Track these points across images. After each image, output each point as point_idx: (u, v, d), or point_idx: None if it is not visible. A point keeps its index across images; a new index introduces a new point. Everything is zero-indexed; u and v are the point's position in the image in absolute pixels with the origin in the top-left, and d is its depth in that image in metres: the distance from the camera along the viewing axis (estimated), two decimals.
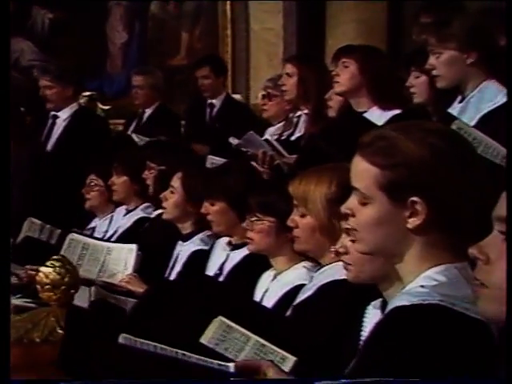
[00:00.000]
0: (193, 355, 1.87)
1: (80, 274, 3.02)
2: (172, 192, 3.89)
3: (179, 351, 1.86)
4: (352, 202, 1.82)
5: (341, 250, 2.17)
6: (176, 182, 3.88)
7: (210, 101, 6.03)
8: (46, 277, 2.14)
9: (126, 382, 1.72)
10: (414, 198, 1.75)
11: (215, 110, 6.02)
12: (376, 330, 1.77)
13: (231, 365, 1.89)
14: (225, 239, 3.62)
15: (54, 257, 2.21)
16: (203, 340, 2.44)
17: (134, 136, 5.17)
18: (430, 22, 4.36)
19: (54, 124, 5.73)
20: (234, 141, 4.43)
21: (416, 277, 1.77)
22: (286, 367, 2.24)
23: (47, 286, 2.14)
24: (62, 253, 3.43)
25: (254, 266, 3.22)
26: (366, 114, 3.84)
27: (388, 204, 1.77)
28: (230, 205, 3.47)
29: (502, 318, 1.40)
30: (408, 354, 1.64)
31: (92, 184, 4.81)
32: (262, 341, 2.36)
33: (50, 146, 5.67)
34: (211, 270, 3.61)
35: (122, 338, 1.87)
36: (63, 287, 2.15)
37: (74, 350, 2.01)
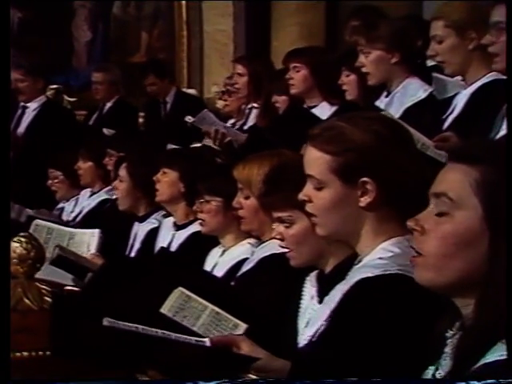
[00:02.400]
0: (172, 333, 1.84)
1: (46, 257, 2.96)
2: (121, 181, 3.87)
3: (159, 330, 1.84)
4: (308, 188, 1.83)
5: (277, 236, 2.17)
6: (122, 171, 3.86)
7: (162, 100, 6.00)
8: (14, 252, 2.10)
9: (125, 382, 1.67)
10: (364, 179, 1.77)
11: (168, 106, 5.99)
12: (345, 299, 1.77)
13: (207, 340, 1.86)
14: (170, 220, 3.61)
15: (21, 234, 2.18)
16: (163, 309, 2.43)
17: (105, 130, 5.14)
18: (358, 24, 4.45)
19: (23, 114, 5.67)
20: (189, 119, 4.40)
21: (372, 250, 1.78)
22: (238, 333, 2.24)
23: (14, 260, 2.10)
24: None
25: (198, 244, 3.22)
26: (316, 108, 3.87)
27: (341, 186, 1.79)
28: (182, 177, 3.46)
29: (435, 283, 1.40)
30: (378, 318, 1.66)
31: (52, 176, 4.83)
32: (218, 309, 2.36)
33: (18, 133, 5.60)
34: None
35: (106, 321, 1.86)
36: (29, 261, 2.11)
37: (63, 329, 2.00)
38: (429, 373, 1.45)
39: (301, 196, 1.85)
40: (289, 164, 2.25)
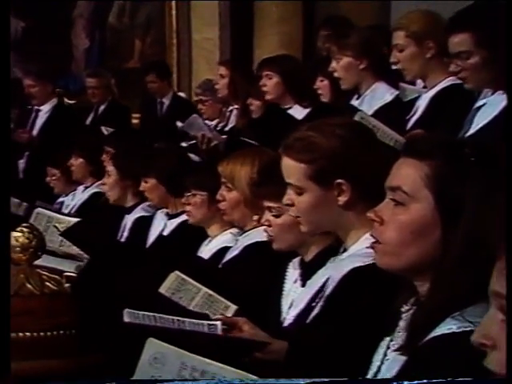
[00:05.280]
0: (186, 319, 1.84)
1: None
2: (109, 175, 3.89)
3: (175, 318, 1.82)
4: (289, 194, 1.85)
5: (265, 223, 2.17)
6: (110, 167, 3.90)
7: (159, 99, 5.97)
8: (17, 240, 2.08)
9: (125, 382, 1.65)
10: (339, 181, 1.78)
11: (165, 106, 5.96)
12: (339, 287, 1.78)
13: (219, 324, 1.85)
14: (163, 210, 3.62)
15: (23, 224, 2.16)
16: (162, 290, 2.43)
17: (103, 129, 5.11)
18: (328, 33, 4.50)
19: (36, 116, 5.70)
20: (179, 124, 4.41)
21: (358, 239, 1.78)
22: (229, 314, 2.23)
23: (17, 249, 2.08)
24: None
25: (187, 231, 3.23)
26: (290, 111, 3.89)
27: (319, 190, 1.80)
28: (160, 181, 3.49)
29: (393, 266, 1.41)
30: (371, 303, 1.67)
31: (50, 173, 4.86)
32: (210, 291, 2.35)
33: (34, 134, 5.64)
34: (152, 237, 3.63)
35: (127, 313, 1.84)
36: (31, 249, 2.09)
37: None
38: (384, 344, 1.46)
39: (284, 201, 1.87)
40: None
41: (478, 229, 1.32)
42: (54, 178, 4.86)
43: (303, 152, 1.79)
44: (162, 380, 1.60)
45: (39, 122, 5.68)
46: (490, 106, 2.54)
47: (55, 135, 5.36)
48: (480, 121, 2.55)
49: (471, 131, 2.56)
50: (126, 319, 1.90)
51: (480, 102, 2.61)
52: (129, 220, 3.86)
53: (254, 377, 1.52)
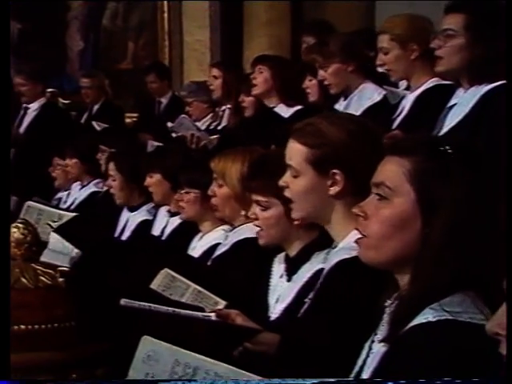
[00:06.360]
0: (181, 310, 1.84)
1: None
2: (114, 180, 3.85)
3: (170, 308, 1.82)
4: (287, 176, 1.85)
5: (252, 216, 2.18)
6: (112, 171, 3.85)
7: (158, 99, 5.98)
8: (12, 236, 2.08)
9: (124, 382, 1.63)
10: (335, 170, 1.78)
11: (162, 106, 5.95)
12: (326, 279, 1.79)
13: (213, 315, 1.85)
14: (165, 208, 3.61)
15: (18, 220, 2.17)
16: (152, 287, 2.43)
17: (95, 124, 5.09)
18: (310, 40, 4.51)
19: (25, 114, 5.66)
20: (170, 124, 4.46)
21: (346, 235, 1.79)
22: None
23: (12, 244, 2.08)
24: (20, 217, 3.34)
25: (188, 229, 3.22)
26: (275, 109, 3.91)
27: (314, 176, 1.80)
28: (165, 177, 3.47)
29: (376, 260, 1.42)
30: (357, 295, 1.67)
31: (56, 164, 4.82)
32: (200, 288, 2.35)
33: (21, 131, 5.60)
34: (155, 233, 3.61)
35: (123, 301, 1.85)
36: (26, 245, 2.10)
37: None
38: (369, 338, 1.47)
39: (280, 182, 1.87)
40: (270, 156, 2.26)
41: (455, 223, 1.34)
42: (59, 168, 4.80)
43: (309, 136, 1.80)
44: (157, 380, 1.59)
45: (27, 119, 5.64)
46: (461, 106, 2.56)
47: (42, 133, 5.33)
48: (452, 119, 2.57)
49: (444, 130, 2.58)
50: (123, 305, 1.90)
51: (452, 101, 2.63)
52: (132, 220, 3.81)
53: (249, 373, 1.52)
